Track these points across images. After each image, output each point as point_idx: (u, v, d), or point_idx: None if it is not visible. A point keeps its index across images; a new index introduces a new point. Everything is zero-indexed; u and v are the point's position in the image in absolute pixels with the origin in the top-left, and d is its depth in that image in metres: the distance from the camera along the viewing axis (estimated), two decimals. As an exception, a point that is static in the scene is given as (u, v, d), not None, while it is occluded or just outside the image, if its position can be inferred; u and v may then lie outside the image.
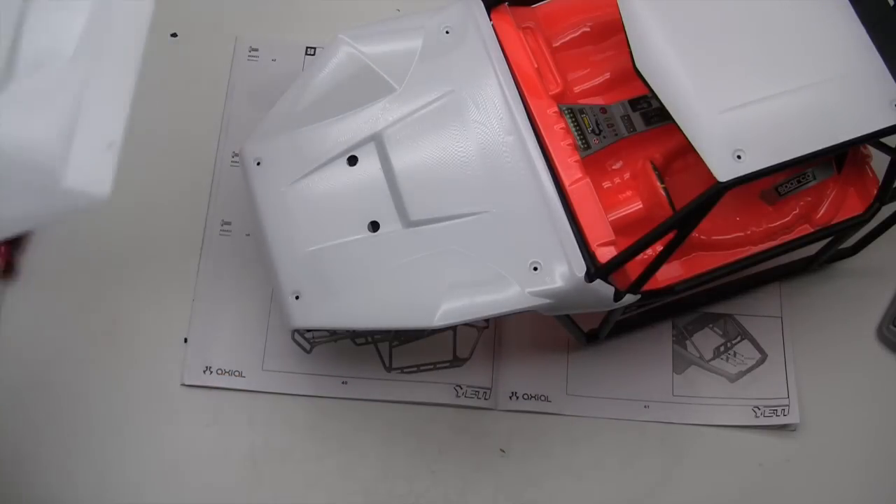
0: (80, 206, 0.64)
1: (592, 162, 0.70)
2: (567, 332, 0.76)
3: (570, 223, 0.65)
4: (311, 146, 0.69)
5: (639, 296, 0.66)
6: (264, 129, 0.71)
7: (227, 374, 0.79)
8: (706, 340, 0.80)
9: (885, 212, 0.71)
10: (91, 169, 0.64)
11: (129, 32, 0.69)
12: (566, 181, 0.66)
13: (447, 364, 0.79)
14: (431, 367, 0.79)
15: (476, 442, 0.78)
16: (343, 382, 0.79)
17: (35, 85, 0.65)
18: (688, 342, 0.80)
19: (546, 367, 0.79)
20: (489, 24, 0.71)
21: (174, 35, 0.89)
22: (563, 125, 0.68)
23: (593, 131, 0.71)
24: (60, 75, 0.66)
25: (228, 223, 0.83)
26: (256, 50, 0.87)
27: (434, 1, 0.72)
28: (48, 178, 0.62)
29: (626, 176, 0.71)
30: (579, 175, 0.66)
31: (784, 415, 0.77)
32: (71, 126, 0.65)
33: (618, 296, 0.65)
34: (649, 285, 0.66)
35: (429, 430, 0.78)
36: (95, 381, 0.79)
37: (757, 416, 0.78)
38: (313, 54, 0.89)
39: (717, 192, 0.58)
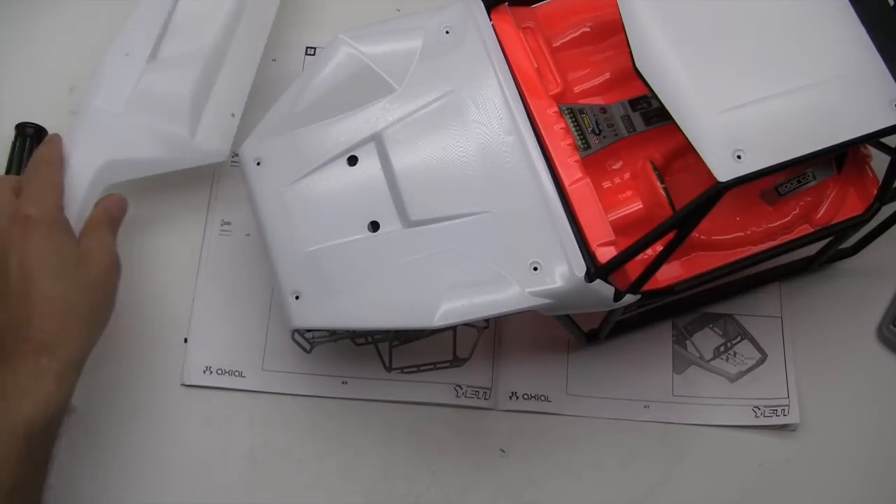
0: (204, 160, 0.79)
1: (592, 162, 0.70)
2: (567, 332, 0.76)
3: (570, 223, 0.65)
4: (310, 146, 0.69)
5: (639, 296, 0.66)
6: (264, 129, 0.71)
7: (227, 374, 0.79)
8: (706, 340, 0.80)
9: (885, 212, 0.71)
10: (215, 132, 0.79)
11: (258, 22, 0.82)
12: (566, 181, 0.66)
13: (447, 364, 0.79)
14: (431, 367, 0.79)
15: (476, 442, 0.77)
16: (343, 382, 0.79)
17: (178, 59, 0.78)
18: (688, 342, 0.80)
19: (546, 367, 0.79)
20: (489, 24, 0.71)
21: (174, 35, 0.89)
22: (563, 125, 0.68)
23: (593, 131, 0.71)
24: (201, 52, 0.78)
25: (228, 223, 0.83)
26: (256, 50, 0.87)
27: (434, 1, 0.72)
28: (184, 135, 0.77)
29: (626, 176, 0.71)
30: (579, 175, 0.67)
31: (784, 415, 0.77)
32: (205, 96, 0.78)
33: (618, 296, 0.65)
34: (649, 285, 0.66)
35: (429, 430, 0.78)
36: (95, 381, 0.78)
37: (757, 416, 0.78)
38: (313, 54, 0.89)
39: (717, 192, 0.58)
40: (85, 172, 0.74)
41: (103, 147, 0.75)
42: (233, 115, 0.80)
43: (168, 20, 0.79)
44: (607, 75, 0.74)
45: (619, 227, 0.67)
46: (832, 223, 0.71)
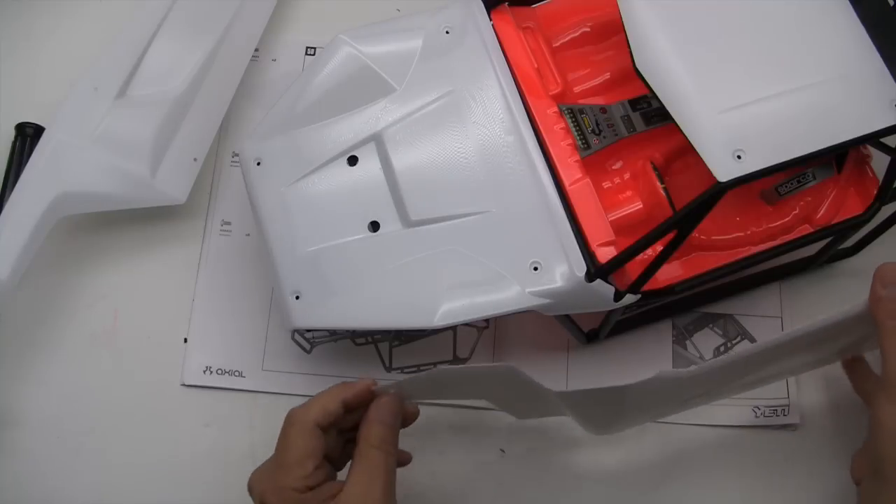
0: (162, 201, 0.78)
1: (592, 162, 0.70)
2: (567, 332, 0.76)
3: (570, 223, 0.65)
4: (311, 146, 0.69)
5: (639, 296, 0.66)
6: (264, 129, 0.71)
7: (227, 374, 0.79)
8: (706, 340, 0.80)
9: (885, 212, 0.71)
10: (176, 175, 0.79)
11: (228, 72, 0.83)
12: (566, 181, 0.66)
13: (447, 364, 0.79)
14: (431, 367, 0.79)
15: (476, 442, 0.77)
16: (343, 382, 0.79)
17: (146, 100, 0.78)
18: (688, 342, 0.80)
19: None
20: (489, 24, 0.71)
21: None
22: (563, 125, 0.68)
23: (593, 131, 0.71)
24: (169, 95, 0.78)
25: (228, 223, 0.83)
26: (256, 50, 0.87)
27: (434, 1, 0.72)
28: (144, 175, 0.77)
29: (626, 176, 0.71)
30: (579, 175, 0.67)
31: (784, 415, 0.77)
32: (168, 139, 0.78)
33: (618, 296, 0.65)
34: (649, 285, 0.66)
35: (429, 430, 0.78)
36: (95, 381, 0.79)
37: (757, 416, 0.77)
38: (313, 54, 0.89)
39: (717, 192, 0.58)
40: (40, 202, 0.73)
41: (61, 178, 0.75)
42: (195, 160, 0.80)
43: (140, 60, 0.79)
44: (607, 75, 0.74)
45: (619, 227, 0.67)
46: (832, 223, 0.71)
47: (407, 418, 0.65)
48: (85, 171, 0.75)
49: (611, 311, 0.70)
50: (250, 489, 0.61)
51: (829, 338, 0.64)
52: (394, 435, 0.61)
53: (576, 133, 0.70)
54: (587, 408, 0.66)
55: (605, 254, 0.64)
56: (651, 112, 0.72)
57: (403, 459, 0.67)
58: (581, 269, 0.64)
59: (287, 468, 0.60)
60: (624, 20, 0.63)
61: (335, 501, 0.58)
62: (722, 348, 0.80)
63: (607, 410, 0.66)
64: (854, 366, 0.71)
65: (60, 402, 0.78)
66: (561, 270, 0.64)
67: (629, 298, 0.66)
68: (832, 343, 0.66)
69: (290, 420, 0.61)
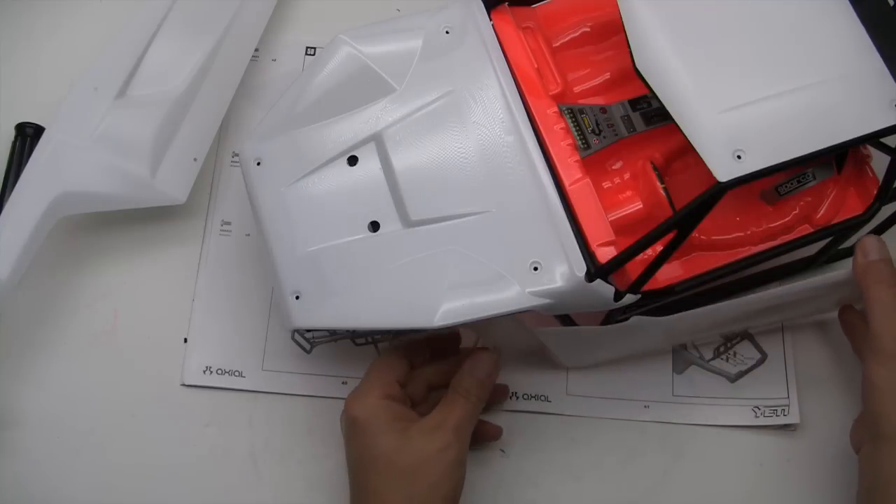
0: (162, 201, 0.79)
1: (592, 162, 0.70)
2: (567, 332, 0.76)
3: (570, 223, 0.65)
4: (311, 146, 0.69)
5: (639, 296, 0.66)
6: (264, 129, 0.71)
7: (227, 374, 0.79)
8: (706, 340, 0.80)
9: (885, 212, 0.71)
10: (176, 175, 0.79)
11: (228, 73, 0.83)
12: (566, 181, 0.66)
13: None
14: (431, 366, 0.79)
15: (476, 442, 0.77)
16: (343, 382, 0.79)
17: (146, 100, 0.78)
18: (687, 342, 0.80)
19: (546, 367, 0.79)
20: (489, 24, 0.71)
21: (174, 35, 0.89)
22: (563, 125, 0.68)
23: (593, 131, 0.71)
24: (169, 95, 0.78)
25: (228, 223, 0.83)
26: (256, 50, 0.87)
27: (434, 1, 0.72)
28: (144, 175, 0.77)
29: (626, 176, 0.71)
30: (579, 175, 0.67)
31: (784, 415, 0.77)
32: (168, 139, 0.78)
33: (618, 296, 0.65)
34: (649, 285, 0.66)
35: (429, 430, 0.78)
36: (95, 381, 0.79)
37: (757, 416, 0.78)
38: (313, 54, 0.89)
39: (717, 192, 0.58)
40: (40, 202, 0.73)
41: (62, 178, 0.74)
42: (195, 160, 0.80)
43: (140, 60, 0.79)
44: (607, 75, 0.74)
45: (619, 227, 0.67)
46: (832, 223, 0.71)
47: (488, 436, 0.75)
48: (85, 171, 0.75)
49: (611, 311, 0.70)
50: (342, 417, 0.69)
51: (817, 297, 0.70)
52: (480, 389, 0.68)
53: (576, 133, 0.70)
54: (563, 341, 0.73)
55: (605, 254, 0.64)
56: (651, 112, 0.72)
57: (493, 433, 0.75)
58: (581, 269, 0.64)
59: (368, 383, 0.68)
60: (624, 20, 0.63)
61: (410, 422, 0.66)
62: (721, 348, 0.80)
63: (583, 346, 0.73)
64: (848, 320, 0.74)
65: (60, 402, 0.78)
66: (561, 270, 0.64)
67: (629, 298, 0.66)
68: (821, 300, 0.72)
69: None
